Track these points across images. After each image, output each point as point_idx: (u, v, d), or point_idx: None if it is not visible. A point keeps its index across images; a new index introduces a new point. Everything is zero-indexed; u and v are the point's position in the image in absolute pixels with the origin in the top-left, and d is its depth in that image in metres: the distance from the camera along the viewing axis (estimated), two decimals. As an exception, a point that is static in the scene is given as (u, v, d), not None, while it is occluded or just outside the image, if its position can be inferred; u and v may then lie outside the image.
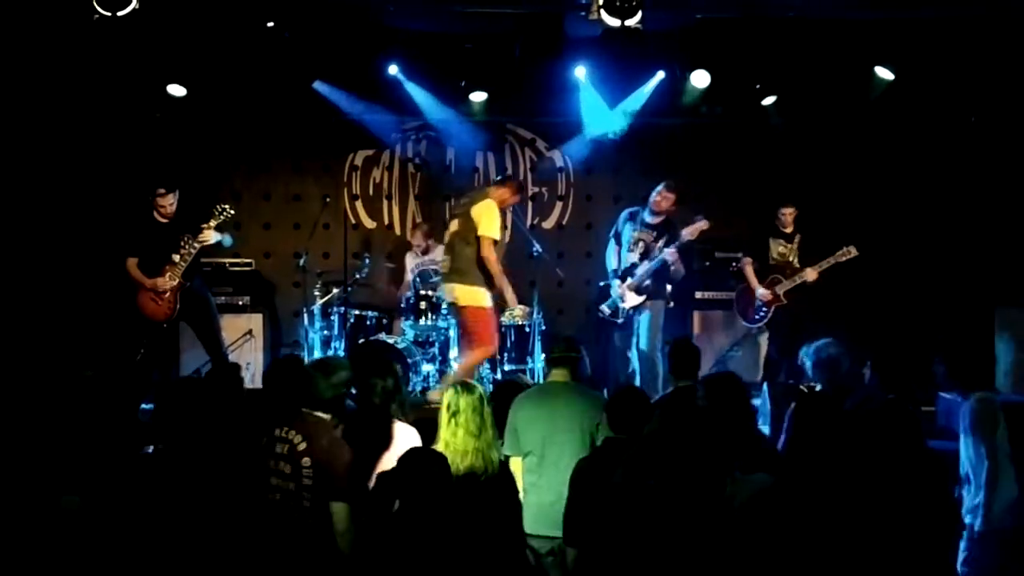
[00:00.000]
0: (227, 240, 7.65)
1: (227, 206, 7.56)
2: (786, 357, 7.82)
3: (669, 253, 7.65)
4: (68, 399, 4.81)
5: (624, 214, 8.10)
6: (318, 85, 8.59)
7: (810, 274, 7.83)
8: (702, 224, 7.64)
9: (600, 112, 8.87)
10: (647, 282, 7.83)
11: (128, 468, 4.07)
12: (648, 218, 7.90)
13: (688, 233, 7.64)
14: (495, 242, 6.90)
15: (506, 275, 7.00)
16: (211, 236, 7.44)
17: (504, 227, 7.08)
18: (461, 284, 6.93)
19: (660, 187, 7.84)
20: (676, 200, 7.86)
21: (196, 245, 7.41)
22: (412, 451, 3.96)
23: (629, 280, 7.89)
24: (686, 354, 5.33)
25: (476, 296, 6.91)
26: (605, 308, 8.08)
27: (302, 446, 4.17)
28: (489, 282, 6.93)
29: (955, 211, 9.15)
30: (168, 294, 7.43)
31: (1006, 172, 8.92)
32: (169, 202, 7.47)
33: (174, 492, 3.90)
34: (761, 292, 8.02)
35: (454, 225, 7.09)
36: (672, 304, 8.42)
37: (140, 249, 7.54)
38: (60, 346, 7.95)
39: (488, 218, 6.86)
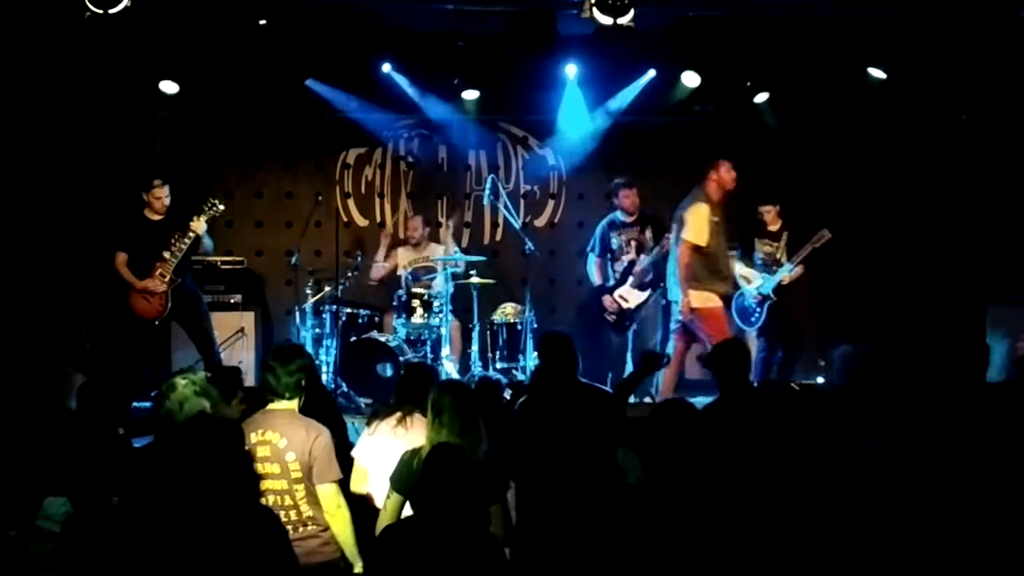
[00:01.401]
0: (208, 242, 7.64)
1: (217, 201, 7.57)
2: (777, 356, 7.84)
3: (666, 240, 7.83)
4: (57, 398, 4.79)
5: (603, 225, 8.38)
6: (310, 83, 8.59)
7: (790, 271, 7.70)
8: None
9: (579, 113, 8.92)
10: (649, 276, 8.11)
11: (121, 469, 4.04)
12: (625, 218, 8.27)
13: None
14: (696, 248, 7.08)
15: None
16: (201, 228, 7.43)
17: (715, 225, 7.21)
18: (688, 288, 7.13)
19: (620, 190, 8.21)
20: (637, 192, 8.22)
21: (187, 240, 7.41)
22: (435, 448, 3.90)
23: (630, 279, 8.15)
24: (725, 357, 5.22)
25: (705, 297, 7.09)
26: (609, 317, 8.28)
27: (282, 443, 4.28)
28: (706, 279, 7.11)
29: (946, 209, 9.17)
30: (159, 292, 7.42)
31: (998, 170, 8.94)
32: (164, 194, 7.46)
33: (173, 494, 3.88)
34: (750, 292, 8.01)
35: (674, 230, 7.28)
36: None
37: (130, 245, 7.52)
38: (52, 345, 7.92)
39: (693, 222, 7.12)
